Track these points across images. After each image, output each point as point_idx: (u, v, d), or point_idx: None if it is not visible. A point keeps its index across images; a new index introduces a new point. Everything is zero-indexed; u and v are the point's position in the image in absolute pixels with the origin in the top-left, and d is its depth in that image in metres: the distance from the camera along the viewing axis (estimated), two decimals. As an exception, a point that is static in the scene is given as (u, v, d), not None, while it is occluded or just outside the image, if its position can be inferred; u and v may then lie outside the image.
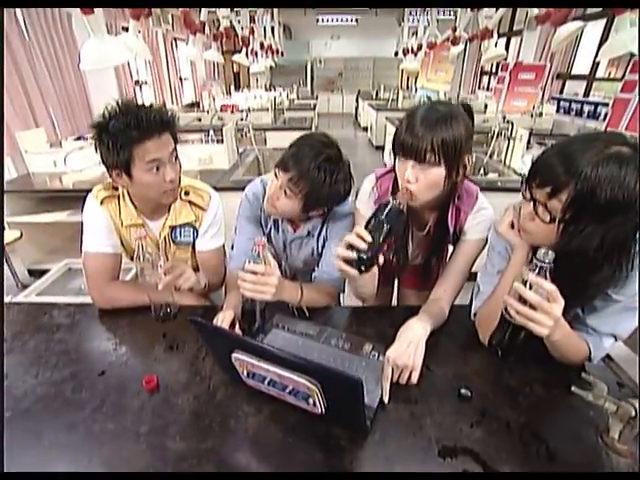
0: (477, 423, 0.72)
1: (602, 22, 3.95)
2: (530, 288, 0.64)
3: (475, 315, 0.93)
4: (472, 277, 0.99)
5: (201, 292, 1.16)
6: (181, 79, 6.59)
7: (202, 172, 2.59)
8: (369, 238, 0.75)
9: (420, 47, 5.95)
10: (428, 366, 0.83)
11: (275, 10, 6.90)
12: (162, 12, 5.59)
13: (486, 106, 4.98)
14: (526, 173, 0.72)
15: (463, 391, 0.78)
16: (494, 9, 2.97)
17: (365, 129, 8.07)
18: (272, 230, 1.17)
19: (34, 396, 0.78)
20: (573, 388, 0.68)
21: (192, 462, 0.65)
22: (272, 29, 6.70)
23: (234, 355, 0.67)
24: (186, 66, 6.85)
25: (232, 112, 4.70)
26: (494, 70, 6.38)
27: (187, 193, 1.10)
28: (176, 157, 1.01)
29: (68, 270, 1.69)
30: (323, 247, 1.12)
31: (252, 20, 5.23)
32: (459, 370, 0.85)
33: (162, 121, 0.92)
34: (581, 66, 4.56)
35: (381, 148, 6.27)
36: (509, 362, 0.86)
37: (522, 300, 0.65)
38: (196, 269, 1.18)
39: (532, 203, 0.70)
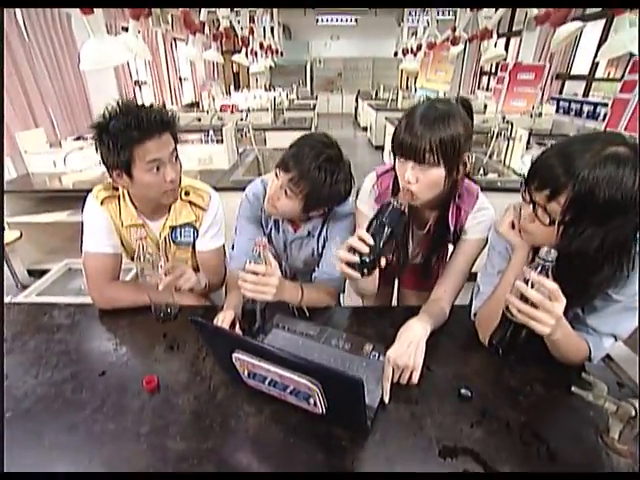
0: (477, 423, 0.72)
1: (601, 22, 3.95)
2: (532, 286, 0.64)
3: (475, 315, 0.93)
4: (472, 277, 0.99)
5: (201, 292, 1.16)
6: (181, 79, 6.58)
7: (202, 172, 2.59)
8: (371, 241, 0.75)
9: (420, 47, 5.96)
10: (428, 366, 0.83)
11: (275, 10, 6.91)
12: (162, 12, 5.59)
13: (486, 106, 4.98)
14: (525, 174, 0.72)
15: (463, 391, 0.78)
16: (493, 9, 2.98)
17: (365, 129, 8.07)
18: (272, 230, 1.17)
19: (34, 396, 0.78)
20: (573, 388, 0.68)
21: (193, 462, 0.65)
22: (272, 29, 6.72)
23: (235, 355, 0.67)
24: (186, 66, 6.85)
25: (232, 112, 4.70)
26: (494, 70, 6.38)
27: (187, 193, 1.10)
28: (176, 157, 1.01)
29: (68, 270, 1.69)
30: (323, 247, 1.12)
31: (252, 20, 5.23)
32: (459, 370, 0.85)
33: (162, 121, 0.92)
34: (580, 66, 4.57)
35: (381, 148, 6.28)
36: (509, 362, 0.86)
37: (524, 298, 0.65)
38: (196, 269, 1.18)
39: (532, 205, 0.70)
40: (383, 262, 0.78)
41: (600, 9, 3.76)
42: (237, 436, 0.70)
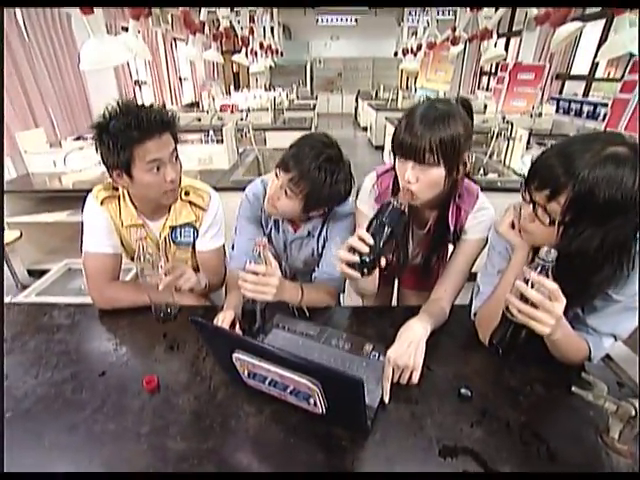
0: (477, 423, 0.72)
1: (601, 22, 3.95)
2: (532, 286, 0.64)
3: (475, 315, 0.93)
4: (472, 277, 1.00)
5: (201, 292, 1.16)
6: (181, 79, 6.58)
7: (202, 172, 2.60)
8: (371, 241, 0.75)
9: (420, 47, 5.96)
10: (428, 366, 0.83)
11: (275, 10, 6.91)
12: (162, 12, 5.59)
13: (486, 106, 4.98)
14: (525, 174, 0.72)
15: (463, 391, 0.78)
16: (494, 9, 2.98)
17: (365, 129, 8.07)
18: (272, 230, 1.17)
19: (34, 397, 0.78)
20: (573, 388, 0.68)
21: (193, 462, 0.65)
22: (272, 29, 6.71)
23: (235, 355, 0.67)
24: (186, 66, 6.85)
25: (232, 112, 4.70)
26: (493, 70, 6.38)
27: (187, 193, 1.10)
28: (176, 157, 1.01)
29: (68, 270, 1.69)
30: (323, 247, 1.13)
31: (252, 20, 5.23)
32: (459, 370, 0.85)
33: (162, 121, 0.92)
34: (580, 66, 4.57)
35: (381, 148, 6.28)
36: (509, 362, 0.86)
37: (524, 298, 0.65)
38: (196, 269, 1.18)
39: (531, 205, 0.70)
40: (383, 262, 0.78)
41: (600, 9, 3.76)
42: (237, 436, 0.70)
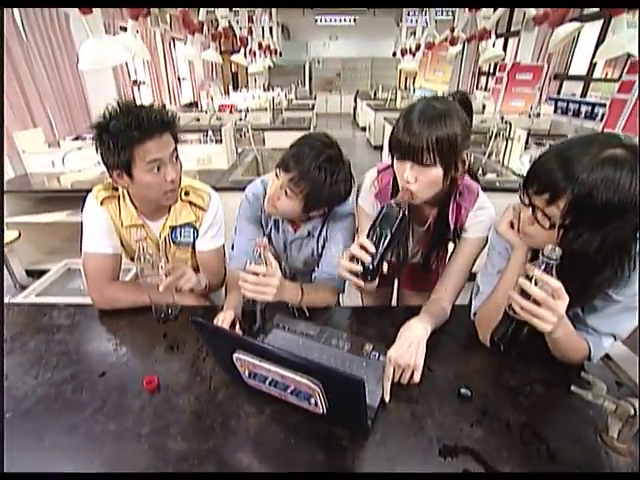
0: (478, 423, 0.72)
1: (599, 23, 3.97)
2: (535, 284, 0.64)
3: (475, 315, 0.93)
4: (472, 277, 1.00)
5: (202, 293, 1.16)
6: (179, 79, 6.58)
7: (201, 172, 2.59)
8: (372, 249, 0.76)
9: (418, 47, 5.96)
10: (429, 366, 0.83)
11: (273, 10, 6.90)
12: (160, 12, 5.58)
13: (484, 106, 4.99)
14: (524, 175, 0.72)
15: (463, 391, 0.78)
16: (492, 10, 2.98)
17: (363, 129, 8.08)
18: (272, 230, 1.17)
19: (34, 397, 0.78)
20: (573, 387, 0.68)
21: (193, 462, 0.65)
22: (270, 29, 6.70)
23: (235, 355, 0.67)
24: (184, 66, 6.84)
25: (230, 112, 4.70)
26: (492, 70, 6.39)
27: (187, 193, 1.10)
28: (177, 157, 1.01)
29: (67, 270, 1.68)
30: (323, 247, 1.13)
31: (250, 20, 5.22)
32: (460, 370, 0.85)
33: (163, 121, 0.92)
34: (578, 67, 4.58)
35: (379, 148, 6.28)
36: (509, 362, 0.87)
37: (526, 296, 0.65)
38: (196, 269, 1.17)
39: (531, 209, 0.70)
40: (385, 267, 0.79)
41: (598, 10, 3.78)
42: (238, 436, 0.70)
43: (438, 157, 0.80)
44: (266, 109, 4.74)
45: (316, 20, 9.91)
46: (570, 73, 4.68)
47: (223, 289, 1.25)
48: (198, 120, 4.67)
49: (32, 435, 0.70)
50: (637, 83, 2.69)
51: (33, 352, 0.91)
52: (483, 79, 7.00)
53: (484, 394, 0.78)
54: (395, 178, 0.97)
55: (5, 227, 2.34)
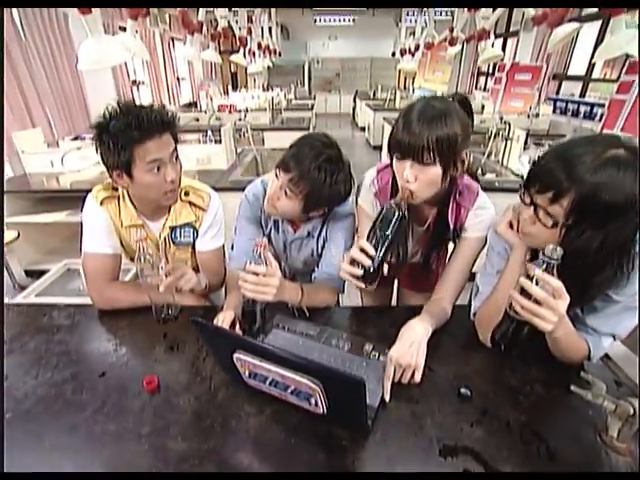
0: (478, 422, 0.72)
1: (598, 24, 3.98)
2: (536, 283, 0.64)
3: (475, 315, 0.94)
4: (471, 277, 1.00)
5: (202, 293, 1.16)
6: (178, 79, 6.57)
7: (200, 172, 2.59)
8: (373, 252, 0.76)
9: (417, 47, 5.96)
10: (429, 366, 0.83)
11: (273, 10, 6.90)
12: (159, 12, 5.57)
13: (483, 107, 5.00)
14: (524, 177, 0.72)
15: (463, 390, 0.78)
16: (491, 10, 2.98)
17: (363, 129, 8.08)
18: (272, 231, 1.17)
19: (34, 397, 0.78)
20: (572, 387, 0.69)
21: (194, 462, 0.65)
22: (270, 29, 6.70)
23: (236, 355, 0.67)
24: (183, 66, 6.83)
25: (230, 112, 4.70)
26: (491, 71, 6.41)
27: (187, 194, 1.10)
28: (177, 157, 1.01)
29: (67, 271, 1.68)
30: (323, 248, 1.13)
31: (250, 20, 5.22)
32: (460, 370, 0.85)
33: (163, 121, 0.92)
34: (577, 67, 4.59)
35: (379, 148, 6.29)
36: (509, 362, 0.87)
37: (527, 295, 0.65)
38: (196, 269, 1.17)
39: (532, 208, 0.70)
40: (386, 268, 0.79)
41: (597, 10, 3.78)
42: (238, 436, 0.70)
43: (438, 156, 0.80)
44: (265, 109, 4.74)
45: (315, 20, 9.91)
46: (569, 73, 4.69)
47: (223, 289, 1.25)
48: (197, 120, 4.67)
49: (32, 435, 0.70)
50: (636, 83, 2.70)
51: (33, 352, 0.91)
52: (482, 79, 7.01)
53: (484, 394, 0.79)
54: (394, 177, 0.97)
55: (4, 227, 2.34)
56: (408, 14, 7.66)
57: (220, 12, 3.54)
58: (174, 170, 0.98)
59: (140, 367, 0.87)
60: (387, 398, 0.76)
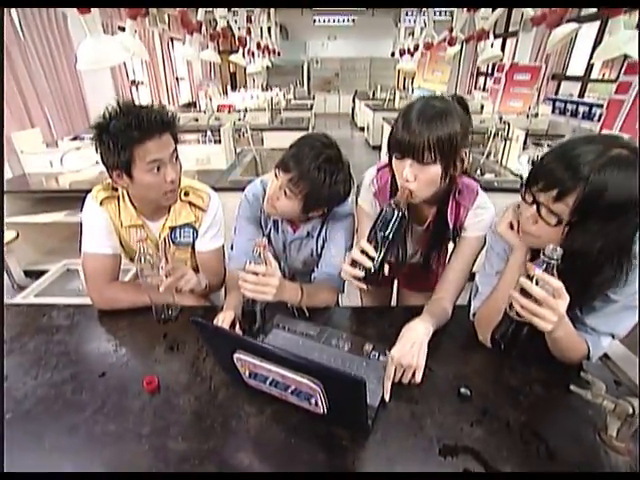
0: (477, 422, 0.72)
1: (596, 24, 3.98)
2: (536, 283, 0.64)
3: (474, 315, 0.94)
4: (471, 277, 1.00)
5: (202, 293, 1.16)
6: (177, 79, 6.57)
7: (200, 172, 2.59)
8: (373, 253, 0.76)
9: (417, 47, 5.97)
10: (429, 366, 0.83)
11: (272, 10, 6.90)
12: (158, 12, 5.57)
13: (482, 107, 5.01)
14: (524, 176, 0.72)
15: (462, 390, 0.78)
16: (490, 10, 2.99)
17: (362, 129, 8.08)
18: (272, 231, 1.17)
19: (34, 398, 0.78)
20: (572, 387, 0.69)
21: (194, 463, 0.65)
22: (269, 29, 6.70)
23: (236, 356, 0.67)
24: (182, 66, 6.83)
25: (229, 112, 4.70)
26: (490, 71, 6.41)
27: (187, 194, 1.10)
28: (176, 157, 1.01)
29: (66, 271, 1.68)
30: (322, 248, 1.13)
31: (249, 20, 5.22)
32: (459, 370, 0.86)
33: (163, 121, 0.92)
34: (576, 67, 4.60)
35: (378, 148, 6.29)
36: (509, 362, 0.87)
37: (527, 295, 0.65)
38: (196, 269, 1.17)
39: (535, 206, 0.71)
40: (387, 269, 0.79)
41: (595, 11, 3.79)
42: (238, 436, 0.70)
43: (438, 155, 0.80)
44: (265, 109, 4.73)
45: (314, 20, 9.91)
46: (568, 74, 4.70)
47: (223, 289, 1.25)
48: (197, 120, 4.66)
49: (32, 436, 0.70)
50: (635, 84, 2.70)
51: (33, 353, 0.91)
52: (481, 79, 7.01)
53: (484, 394, 0.79)
54: (394, 177, 0.97)
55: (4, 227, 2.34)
56: (407, 14, 7.67)
57: (219, 12, 3.54)
58: (174, 170, 0.98)
59: (140, 367, 0.87)
60: (387, 398, 0.76)
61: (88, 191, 1.09)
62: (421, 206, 1.02)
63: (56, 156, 2.57)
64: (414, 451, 0.68)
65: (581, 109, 4.10)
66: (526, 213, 0.74)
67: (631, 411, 0.63)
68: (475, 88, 7.08)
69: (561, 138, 3.51)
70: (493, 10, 2.95)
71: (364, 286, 0.80)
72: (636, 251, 0.70)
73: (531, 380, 0.82)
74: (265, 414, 0.74)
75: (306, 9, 9.14)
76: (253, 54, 5.75)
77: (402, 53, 6.63)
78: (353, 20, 9.93)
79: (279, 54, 7.77)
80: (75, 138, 3.28)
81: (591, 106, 3.95)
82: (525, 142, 2.57)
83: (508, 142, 2.67)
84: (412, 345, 0.80)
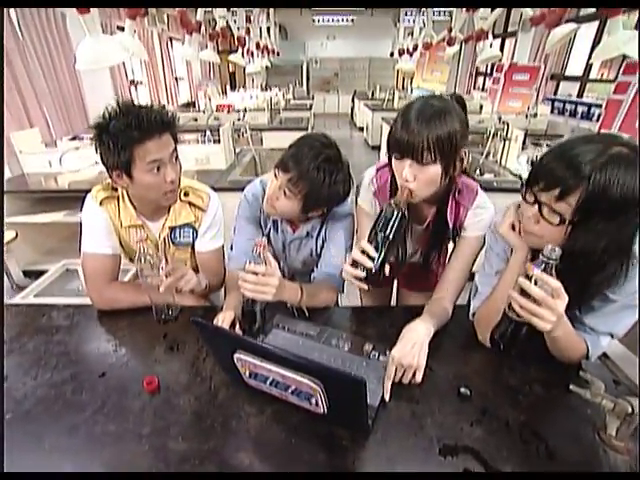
0: (477, 422, 0.73)
1: (595, 24, 3.99)
2: (535, 283, 0.64)
3: (474, 315, 0.94)
4: (471, 277, 1.00)
5: (202, 293, 1.16)
6: (177, 79, 6.56)
7: (199, 172, 2.59)
8: (374, 253, 0.76)
9: (416, 47, 5.98)
10: (429, 366, 0.83)
11: (271, 10, 6.90)
12: (157, 12, 5.56)
13: (481, 107, 5.01)
14: (524, 176, 0.72)
15: (462, 390, 0.78)
16: (489, 10, 2.99)
17: (361, 129, 8.09)
18: (271, 231, 1.17)
19: (34, 398, 0.78)
20: (571, 386, 0.69)
21: (194, 463, 0.65)
22: (268, 29, 6.70)
23: (236, 356, 0.67)
24: (181, 66, 6.82)
25: (228, 112, 4.70)
26: (489, 71, 6.42)
27: (187, 194, 1.10)
28: (176, 157, 1.01)
29: (66, 271, 1.68)
30: (322, 248, 1.13)
31: (248, 20, 5.22)
32: (459, 370, 0.86)
33: (162, 121, 0.92)
34: (575, 67, 4.61)
35: (377, 148, 6.30)
36: (509, 361, 0.87)
37: (526, 295, 0.66)
38: (195, 270, 1.17)
39: (537, 206, 0.70)
40: (387, 269, 0.79)
41: (594, 11, 3.80)
42: (238, 436, 0.70)
43: (438, 155, 0.80)
44: (264, 109, 4.74)
45: (314, 20, 9.90)
46: (566, 74, 4.70)
47: (223, 289, 1.25)
48: (196, 120, 4.66)
49: (32, 437, 0.70)
50: (633, 84, 2.71)
51: (32, 353, 0.91)
52: (480, 79, 7.02)
53: (483, 393, 0.79)
54: (393, 176, 0.97)
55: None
56: (406, 14, 7.66)
57: (218, 12, 3.54)
58: (174, 170, 0.98)
59: (140, 367, 0.87)
60: (387, 398, 0.76)
61: (87, 191, 1.09)
62: (421, 205, 1.02)
63: (55, 156, 2.57)
64: (414, 451, 0.68)
65: (580, 109, 4.11)
66: (528, 213, 0.73)
67: (630, 410, 0.63)
68: (474, 88, 7.09)
69: (560, 138, 3.51)
70: (492, 10, 2.96)
71: (365, 287, 0.80)
72: (636, 250, 0.70)
73: (531, 380, 0.83)
74: (265, 414, 0.74)
75: (305, 9, 9.14)
76: (252, 54, 5.75)
77: (401, 53, 6.63)
78: (352, 20, 9.93)
79: (278, 54, 7.77)
80: (74, 138, 3.27)
81: (590, 106, 3.96)
82: (524, 142, 2.58)
83: (507, 142, 2.67)
84: (413, 345, 0.80)
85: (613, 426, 0.66)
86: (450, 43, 4.30)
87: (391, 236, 0.78)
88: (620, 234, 0.66)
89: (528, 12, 2.52)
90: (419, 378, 0.79)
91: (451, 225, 0.99)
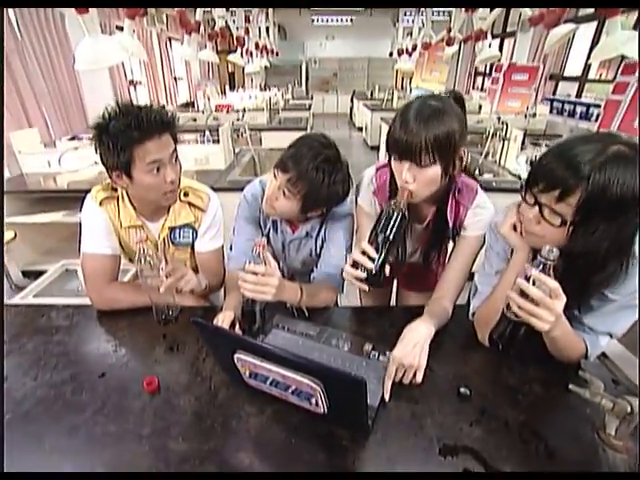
0: (477, 422, 0.73)
1: (594, 25, 4.00)
2: (533, 284, 0.65)
3: (474, 315, 0.94)
4: (470, 277, 1.00)
5: (201, 293, 1.16)
6: (176, 79, 6.55)
7: (198, 172, 2.59)
8: (374, 254, 0.77)
9: (415, 47, 5.98)
10: (429, 366, 0.83)
11: (270, 10, 6.90)
12: (157, 12, 5.55)
13: (480, 107, 5.01)
14: (523, 176, 0.72)
15: (462, 390, 0.79)
16: (488, 11, 3.00)
17: (360, 129, 8.09)
18: (271, 231, 1.17)
19: (34, 398, 0.78)
20: (570, 386, 0.69)
21: (194, 463, 0.65)
22: (267, 29, 6.71)
23: (237, 356, 0.67)
24: (180, 66, 6.81)
25: (227, 112, 4.69)
26: (488, 71, 6.42)
27: (186, 194, 1.10)
28: (176, 158, 1.01)
29: (65, 271, 1.67)
30: (322, 248, 1.13)
31: (247, 20, 5.21)
32: (459, 370, 0.86)
33: (162, 122, 0.92)
34: (573, 68, 4.61)
35: (376, 148, 6.29)
36: (508, 361, 0.87)
37: (525, 295, 0.66)
38: (195, 270, 1.17)
39: (537, 207, 0.70)
40: (388, 269, 0.79)
41: (593, 11, 3.80)
42: (238, 436, 0.70)
43: (437, 155, 0.81)
44: (263, 109, 4.74)
45: (313, 20, 9.90)
46: (565, 74, 4.71)
47: (222, 290, 1.25)
48: (195, 120, 4.65)
49: (32, 437, 0.70)
50: (632, 84, 2.72)
51: (32, 353, 0.91)
52: (479, 79, 7.02)
53: (483, 393, 0.79)
54: (393, 176, 0.97)
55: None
56: (405, 14, 7.66)
57: (217, 12, 3.54)
58: (174, 171, 0.98)
59: (140, 368, 0.87)
60: (387, 397, 0.76)
61: (86, 191, 1.09)
62: (421, 205, 1.02)
63: (54, 156, 2.56)
64: (414, 451, 0.68)
65: (579, 109, 4.12)
66: (528, 214, 0.73)
67: (629, 410, 0.64)
68: (473, 88, 7.09)
69: (559, 138, 3.52)
70: (491, 10, 2.96)
71: (366, 287, 0.80)
72: (636, 250, 0.70)
73: (530, 379, 0.83)
74: (265, 414, 0.74)
75: (304, 9, 9.14)
76: (251, 54, 5.75)
77: (400, 53, 6.63)
78: (351, 20, 9.93)
79: (277, 54, 7.77)
80: (73, 138, 3.27)
81: (588, 106, 3.97)
82: (523, 142, 2.58)
83: (506, 142, 2.68)
84: (414, 346, 0.81)
85: (612, 425, 0.67)
86: (449, 43, 4.30)
87: (391, 237, 0.78)
88: (620, 234, 0.65)
89: (527, 12, 2.52)
90: (419, 378, 0.79)
91: (451, 224, 0.99)
